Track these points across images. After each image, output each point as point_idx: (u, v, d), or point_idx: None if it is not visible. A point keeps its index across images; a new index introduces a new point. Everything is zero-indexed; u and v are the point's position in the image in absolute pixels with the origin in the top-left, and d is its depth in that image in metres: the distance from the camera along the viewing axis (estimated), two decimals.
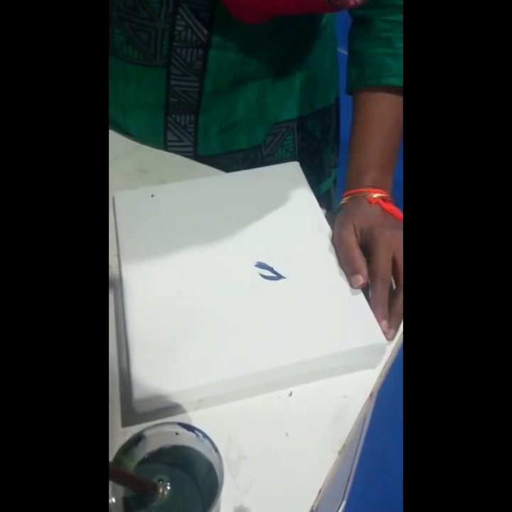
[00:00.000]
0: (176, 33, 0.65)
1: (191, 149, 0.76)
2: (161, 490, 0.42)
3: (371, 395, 0.54)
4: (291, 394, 0.53)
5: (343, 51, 0.76)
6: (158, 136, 0.76)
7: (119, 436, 0.50)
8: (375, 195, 0.62)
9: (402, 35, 0.65)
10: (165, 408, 0.51)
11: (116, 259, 0.62)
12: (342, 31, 0.78)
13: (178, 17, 0.64)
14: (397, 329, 0.56)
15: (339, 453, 0.50)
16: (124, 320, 0.56)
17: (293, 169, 0.71)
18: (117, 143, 0.78)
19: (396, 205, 0.62)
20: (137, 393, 0.50)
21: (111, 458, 0.41)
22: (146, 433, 0.43)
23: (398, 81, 0.65)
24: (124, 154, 0.77)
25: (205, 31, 0.65)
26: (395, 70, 0.65)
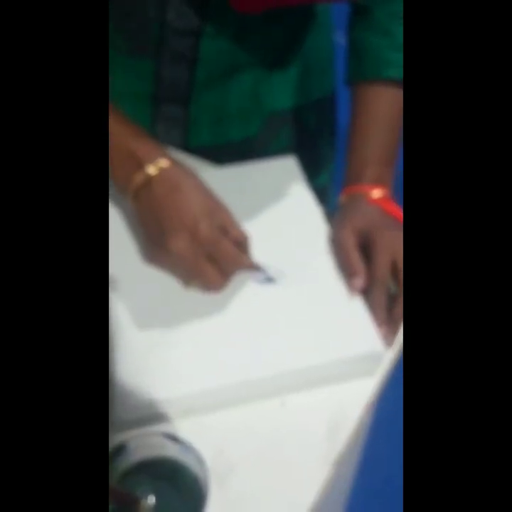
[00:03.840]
0: (166, 21, 0.65)
1: (181, 141, 0.76)
2: (142, 504, 0.42)
3: (369, 404, 0.54)
4: (284, 403, 0.53)
5: (339, 39, 0.76)
6: (146, 127, 0.75)
7: None
8: (376, 194, 0.62)
9: (402, 26, 0.65)
10: (149, 416, 0.51)
11: None
12: (338, 19, 0.77)
13: (169, 4, 0.64)
14: (395, 335, 0.56)
15: (334, 466, 0.50)
16: (110, 323, 0.55)
17: (289, 164, 0.70)
18: None
19: (395, 198, 0.62)
20: (120, 399, 0.50)
21: None
22: (129, 443, 0.43)
23: (398, 73, 0.65)
24: None
25: (197, 19, 0.65)
26: (394, 63, 0.65)
